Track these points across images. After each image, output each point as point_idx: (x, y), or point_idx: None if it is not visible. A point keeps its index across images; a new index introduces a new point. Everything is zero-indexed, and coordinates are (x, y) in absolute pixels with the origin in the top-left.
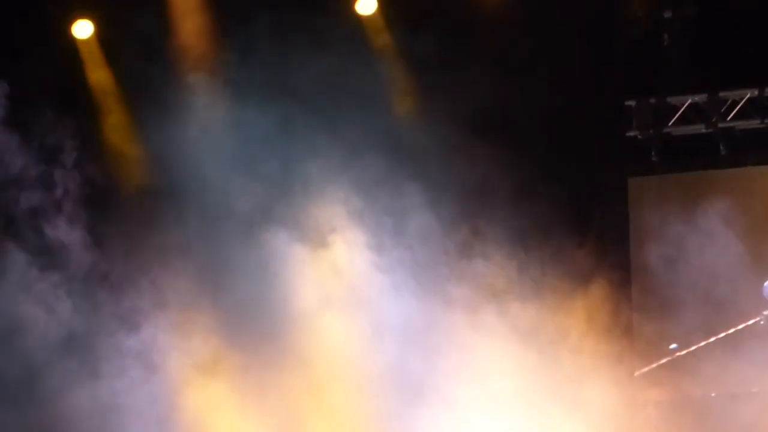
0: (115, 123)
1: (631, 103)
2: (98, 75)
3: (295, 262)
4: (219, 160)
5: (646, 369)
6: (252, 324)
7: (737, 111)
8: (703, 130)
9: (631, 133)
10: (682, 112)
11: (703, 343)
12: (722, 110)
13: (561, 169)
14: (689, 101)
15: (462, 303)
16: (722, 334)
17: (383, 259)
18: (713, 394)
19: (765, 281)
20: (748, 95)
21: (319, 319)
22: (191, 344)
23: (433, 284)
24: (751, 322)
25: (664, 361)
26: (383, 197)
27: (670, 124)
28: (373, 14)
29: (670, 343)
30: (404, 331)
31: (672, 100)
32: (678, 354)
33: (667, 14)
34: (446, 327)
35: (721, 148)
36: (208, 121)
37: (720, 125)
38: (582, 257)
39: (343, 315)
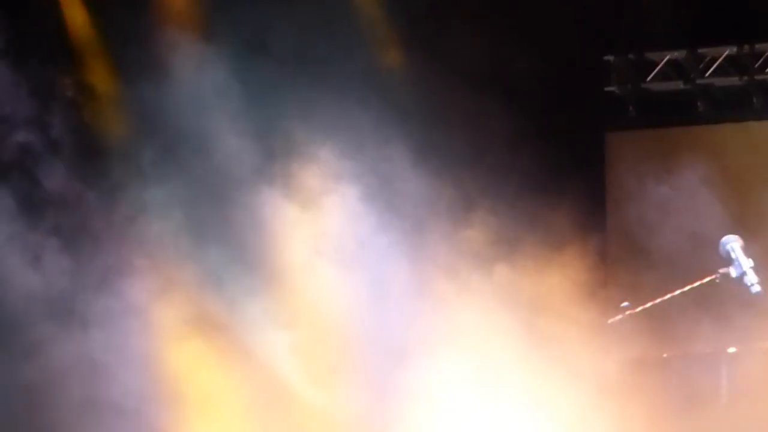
0: (99, 73)
1: (610, 58)
2: (79, 22)
3: (282, 222)
4: (203, 118)
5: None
6: (238, 282)
7: (716, 68)
8: (682, 87)
9: (610, 88)
10: (661, 67)
11: (658, 301)
12: (701, 66)
13: (542, 126)
14: (668, 57)
15: (449, 266)
16: (677, 292)
17: (371, 221)
18: (665, 355)
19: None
20: (727, 52)
21: (305, 280)
22: (176, 300)
23: (422, 248)
24: (706, 280)
25: (618, 317)
26: (371, 159)
27: (648, 79)
28: None
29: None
30: (392, 294)
31: (651, 55)
32: (629, 312)
33: None
34: (435, 290)
35: (699, 104)
36: (192, 79)
37: (698, 81)
38: (560, 218)
39: (330, 276)
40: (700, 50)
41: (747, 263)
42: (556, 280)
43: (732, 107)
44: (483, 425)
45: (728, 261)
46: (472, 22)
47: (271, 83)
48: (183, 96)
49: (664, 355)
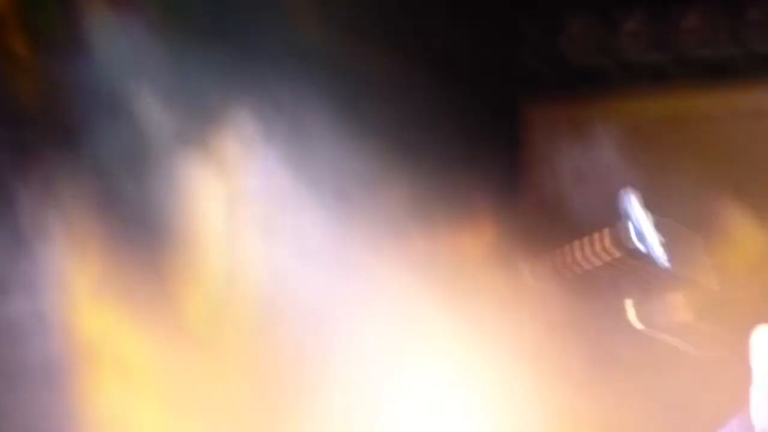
0: (12, 37)
1: (525, 27)
2: None
3: (199, 186)
4: (119, 83)
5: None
6: (154, 246)
7: (632, 37)
8: (598, 56)
9: (524, 58)
10: (577, 37)
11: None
12: (617, 36)
13: (457, 96)
14: (584, 26)
15: (368, 233)
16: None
17: (286, 188)
18: (570, 319)
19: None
20: (643, 21)
21: (222, 243)
22: (92, 264)
23: (341, 214)
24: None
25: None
26: (287, 124)
27: (564, 49)
28: None
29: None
30: (310, 259)
31: (566, 24)
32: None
33: None
34: (354, 257)
35: (615, 74)
36: (109, 44)
37: (614, 51)
38: (476, 188)
39: (246, 240)
40: (616, 19)
41: (647, 221)
42: (472, 249)
43: (648, 77)
44: (400, 391)
45: (626, 219)
46: None
47: (189, 48)
48: (99, 61)
49: (569, 319)
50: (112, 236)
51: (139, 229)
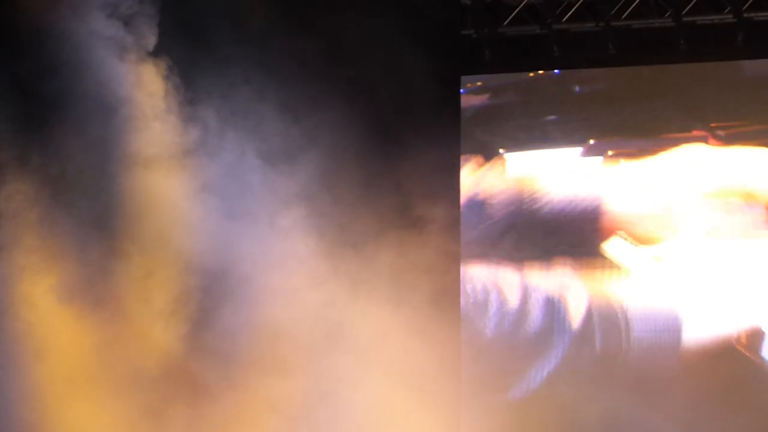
0: None
1: (467, 1)
2: None
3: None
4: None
5: None
6: (105, 247)
7: (572, 13)
8: (538, 31)
9: (466, 32)
10: (518, 12)
11: None
12: (557, 12)
13: (396, 70)
14: (525, 1)
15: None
16: None
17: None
18: None
19: None
20: None
21: (178, 240)
22: (45, 271)
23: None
24: None
25: None
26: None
27: (505, 23)
28: None
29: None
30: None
31: None
32: None
33: None
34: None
35: (555, 49)
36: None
37: (555, 27)
38: (418, 168)
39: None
40: None
41: None
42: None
43: (586, 53)
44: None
45: None
46: None
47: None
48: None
49: None
50: (66, 240)
51: (94, 231)
